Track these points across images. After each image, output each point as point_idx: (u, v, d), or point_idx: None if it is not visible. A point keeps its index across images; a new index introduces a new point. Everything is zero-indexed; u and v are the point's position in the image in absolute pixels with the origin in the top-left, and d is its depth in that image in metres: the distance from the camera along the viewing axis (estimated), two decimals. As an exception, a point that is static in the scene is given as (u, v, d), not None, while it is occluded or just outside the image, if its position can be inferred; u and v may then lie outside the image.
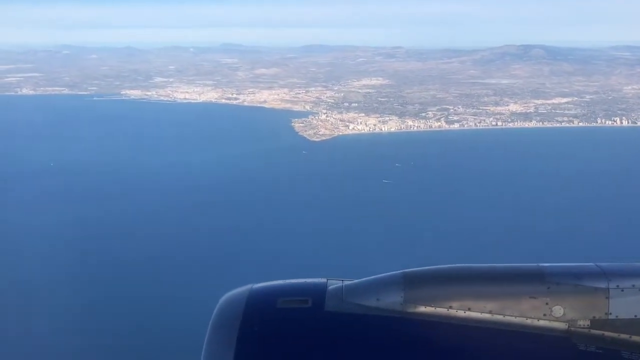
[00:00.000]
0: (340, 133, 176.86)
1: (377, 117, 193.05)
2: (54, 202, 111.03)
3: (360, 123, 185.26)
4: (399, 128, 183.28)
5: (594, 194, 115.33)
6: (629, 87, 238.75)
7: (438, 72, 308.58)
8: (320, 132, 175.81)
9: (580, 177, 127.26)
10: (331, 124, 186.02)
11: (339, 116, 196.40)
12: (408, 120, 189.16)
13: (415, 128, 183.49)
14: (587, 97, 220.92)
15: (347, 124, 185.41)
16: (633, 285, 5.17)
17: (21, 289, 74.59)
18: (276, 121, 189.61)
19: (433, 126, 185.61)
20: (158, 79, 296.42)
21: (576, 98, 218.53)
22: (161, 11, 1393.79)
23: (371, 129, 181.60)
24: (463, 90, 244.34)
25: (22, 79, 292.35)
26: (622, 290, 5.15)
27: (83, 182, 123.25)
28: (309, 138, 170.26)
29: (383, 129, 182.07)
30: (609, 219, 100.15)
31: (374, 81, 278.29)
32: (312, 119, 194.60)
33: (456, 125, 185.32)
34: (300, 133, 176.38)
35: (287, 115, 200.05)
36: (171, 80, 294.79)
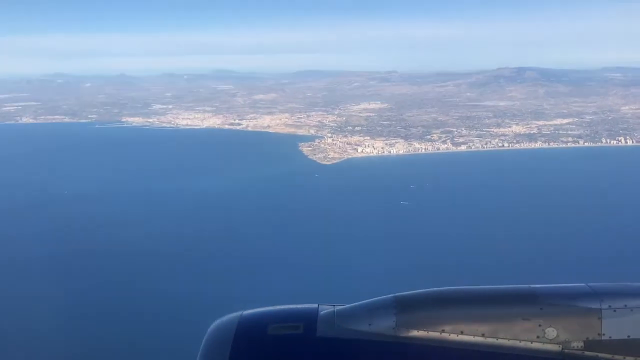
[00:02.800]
0: (350, 156, 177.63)
1: (383, 140, 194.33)
2: (78, 230, 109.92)
3: (368, 146, 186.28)
4: (407, 151, 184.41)
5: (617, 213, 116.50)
6: (627, 107, 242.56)
7: (434, 95, 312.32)
8: (330, 156, 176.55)
9: (600, 196, 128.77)
10: (339, 148, 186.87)
11: (345, 139, 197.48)
12: (414, 143, 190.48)
13: (422, 150, 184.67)
14: (587, 117, 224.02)
15: (355, 147, 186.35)
16: (625, 305, 5.16)
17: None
18: (283, 145, 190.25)
19: (440, 148, 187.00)
20: (157, 106, 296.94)
21: (576, 119, 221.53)
22: (152, 40, 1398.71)
23: (379, 152, 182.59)
24: (463, 112, 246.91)
25: (20, 107, 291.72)
26: (615, 311, 5.13)
27: (107, 208, 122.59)
28: (319, 161, 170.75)
29: (391, 152, 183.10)
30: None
31: (373, 105, 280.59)
32: (319, 142, 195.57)
33: (463, 147, 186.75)
34: (309, 156, 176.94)
35: (293, 140, 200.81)
36: (170, 107, 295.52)
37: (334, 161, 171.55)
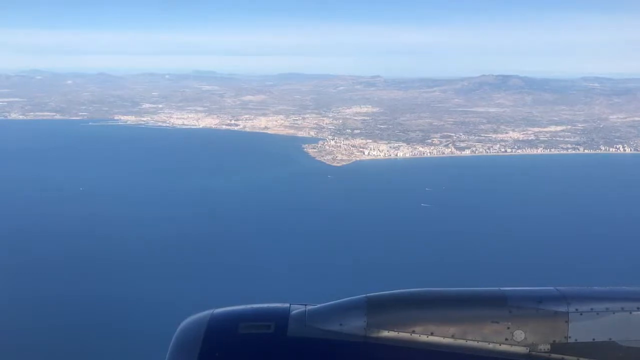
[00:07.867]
0: (357, 158, 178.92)
1: (386, 144, 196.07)
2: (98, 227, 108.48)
3: (374, 149, 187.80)
4: (412, 154, 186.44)
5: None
6: (615, 117, 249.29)
7: (423, 101, 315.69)
8: (338, 158, 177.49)
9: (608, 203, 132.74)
10: (345, 150, 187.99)
11: (347, 142, 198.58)
12: (418, 147, 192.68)
13: (427, 154, 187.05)
14: (579, 125, 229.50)
15: (361, 149, 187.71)
16: (591, 309, 5.30)
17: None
18: (287, 147, 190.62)
19: (445, 152, 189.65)
20: (146, 105, 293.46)
21: (570, 126, 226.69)
22: (129, 39, 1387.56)
23: (386, 155, 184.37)
24: (456, 118, 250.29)
25: (5, 103, 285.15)
26: (581, 314, 5.28)
27: (125, 205, 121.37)
28: (329, 163, 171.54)
29: (398, 155, 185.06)
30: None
31: (365, 109, 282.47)
32: (323, 144, 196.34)
33: (467, 152, 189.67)
34: (317, 158, 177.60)
35: (295, 141, 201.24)
36: (160, 106, 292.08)
37: (343, 163, 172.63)
